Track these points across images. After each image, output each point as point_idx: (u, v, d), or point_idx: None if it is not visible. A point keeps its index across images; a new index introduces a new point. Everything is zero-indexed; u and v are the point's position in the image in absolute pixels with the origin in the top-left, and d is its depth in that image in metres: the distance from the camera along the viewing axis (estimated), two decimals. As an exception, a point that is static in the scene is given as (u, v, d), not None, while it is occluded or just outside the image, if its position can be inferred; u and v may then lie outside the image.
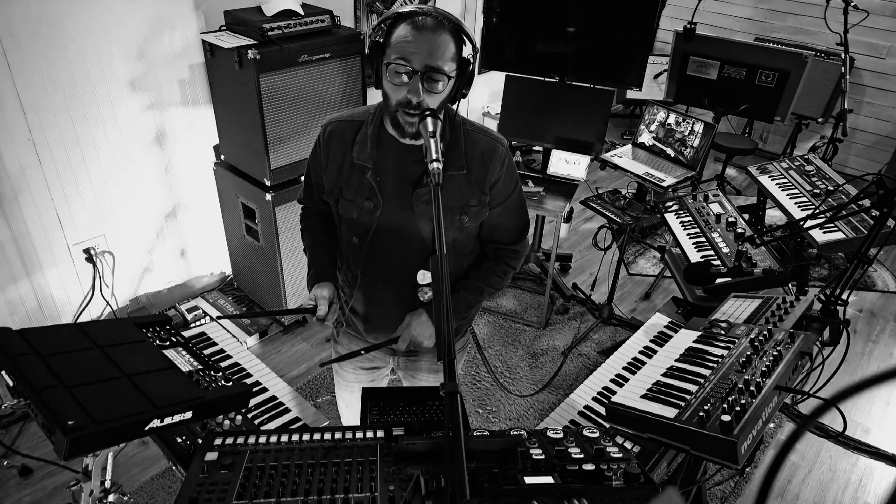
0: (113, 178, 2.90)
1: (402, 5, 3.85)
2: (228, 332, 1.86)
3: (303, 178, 1.74)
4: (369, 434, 1.19)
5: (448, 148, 1.47)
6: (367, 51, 1.40)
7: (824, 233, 2.55)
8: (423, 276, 1.59)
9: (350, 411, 2.01)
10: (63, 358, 1.25)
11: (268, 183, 2.94)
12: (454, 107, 1.47)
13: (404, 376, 1.90)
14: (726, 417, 1.19)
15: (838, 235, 2.52)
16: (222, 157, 3.20)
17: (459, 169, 1.48)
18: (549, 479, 1.07)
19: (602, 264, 3.99)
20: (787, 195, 2.91)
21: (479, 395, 3.09)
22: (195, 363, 1.43)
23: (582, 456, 1.15)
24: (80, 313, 3.01)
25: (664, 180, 3.29)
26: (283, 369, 3.18)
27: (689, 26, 3.50)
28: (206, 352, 1.69)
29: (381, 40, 1.37)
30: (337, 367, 1.94)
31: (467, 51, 1.40)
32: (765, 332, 1.52)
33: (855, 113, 5.23)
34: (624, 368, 1.81)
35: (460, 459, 0.86)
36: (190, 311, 3.34)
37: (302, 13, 2.85)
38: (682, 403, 1.31)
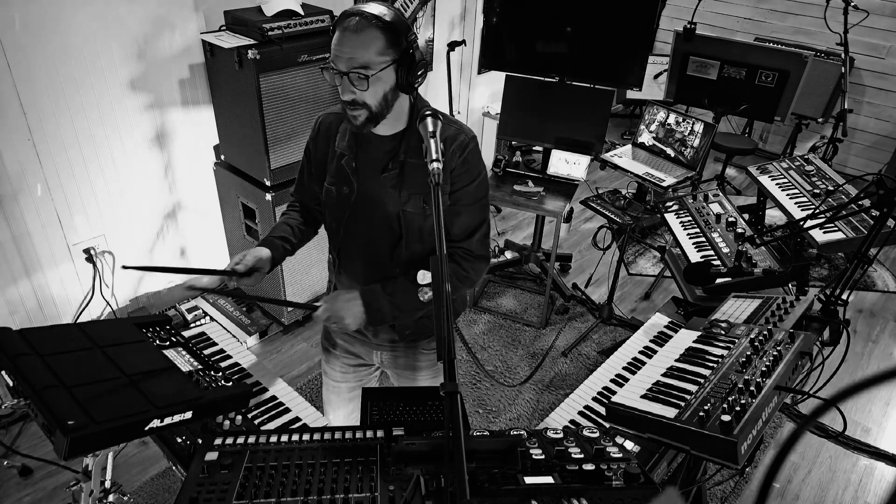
0: (113, 177, 2.90)
1: (402, 6, 3.84)
2: (228, 332, 1.86)
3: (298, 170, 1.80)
4: (369, 434, 1.19)
5: (412, 137, 1.52)
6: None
7: (824, 233, 2.55)
8: (423, 276, 1.59)
9: (336, 415, 2.01)
10: (63, 358, 1.25)
11: (268, 183, 2.94)
12: (417, 94, 1.52)
13: (390, 373, 1.92)
14: (726, 417, 1.19)
15: (838, 235, 2.52)
16: (222, 157, 3.20)
17: (421, 157, 1.47)
18: (549, 479, 1.07)
19: (602, 264, 4.00)
20: (787, 195, 2.91)
21: (479, 395, 3.09)
22: (195, 363, 1.43)
23: (582, 456, 1.15)
24: (80, 313, 3.01)
25: (664, 180, 3.29)
26: (283, 369, 3.18)
27: (689, 26, 3.50)
28: (206, 352, 1.69)
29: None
30: (325, 366, 1.96)
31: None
32: (765, 332, 1.52)
33: (855, 113, 5.23)
34: (624, 368, 1.81)
35: (460, 459, 0.86)
36: (190, 311, 3.34)
37: (302, 13, 2.85)
38: (682, 403, 1.31)
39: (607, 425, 1.38)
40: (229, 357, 1.76)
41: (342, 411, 2.00)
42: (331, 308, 1.53)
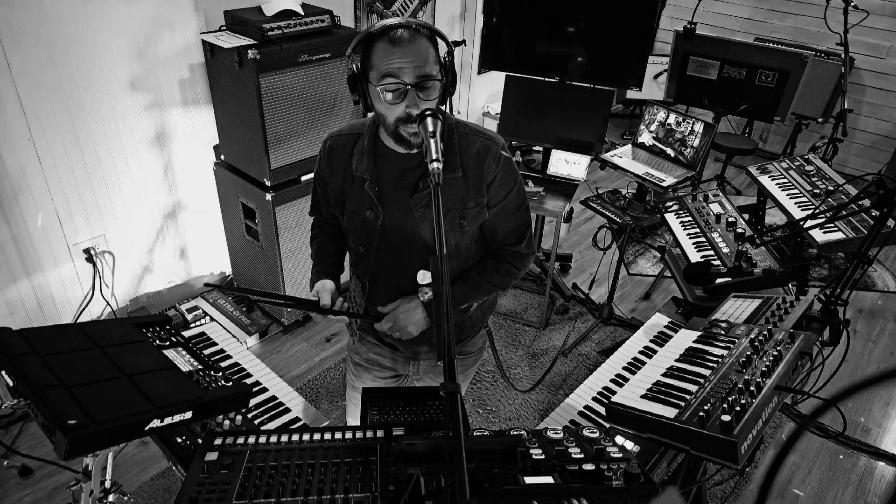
0: (113, 177, 2.90)
1: (402, 6, 3.85)
2: (228, 332, 1.86)
3: (311, 191, 1.77)
4: (369, 434, 1.19)
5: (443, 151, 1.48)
6: (348, 77, 1.39)
7: (824, 233, 2.55)
8: (423, 276, 1.59)
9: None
10: (63, 358, 1.25)
11: (268, 183, 2.94)
12: (445, 108, 1.47)
13: (425, 381, 1.89)
14: (726, 417, 1.19)
15: (838, 235, 2.52)
16: (222, 157, 3.20)
17: (455, 171, 1.48)
18: (549, 479, 1.06)
19: (602, 264, 3.99)
20: (787, 195, 2.91)
21: (479, 395, 3.09)
22: (195, 363, 1.43)
23: (582, 456, 1.15)
24: (80, 313, 3.01)
25: (664, 180, 3.28)
26: (283, 369, 3.18)
27: (689, 26, 3.50)
28: (206, 352, 1.69)
29: (360, 65, 1.36)
30: (353, 378, 1.93)
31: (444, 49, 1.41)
32: (765, 332, 1.52)
33: (855, 113, 5.23)
34: (624, 368, 1.81)
35: (460, 459, 0.86)
36: (190, 311, 3.34)
37: (302, 13, 2.85)
38: (682, 403, 1.31)
39: (607, 425, 1.38)
40: (229, 357, 1.77)
41: None
42: (392, 318, 1.55)
